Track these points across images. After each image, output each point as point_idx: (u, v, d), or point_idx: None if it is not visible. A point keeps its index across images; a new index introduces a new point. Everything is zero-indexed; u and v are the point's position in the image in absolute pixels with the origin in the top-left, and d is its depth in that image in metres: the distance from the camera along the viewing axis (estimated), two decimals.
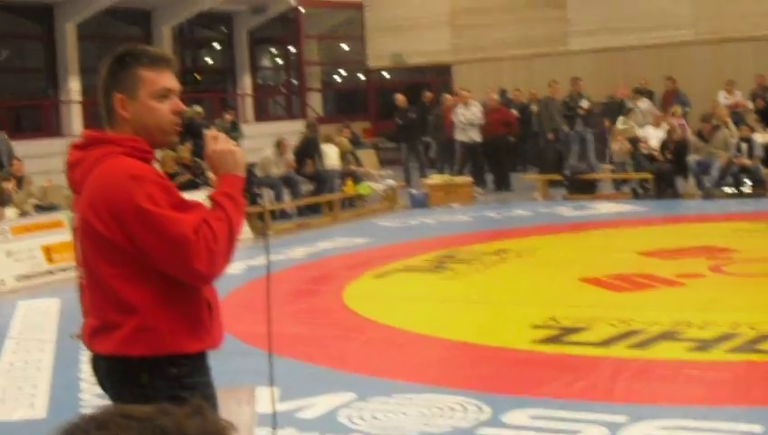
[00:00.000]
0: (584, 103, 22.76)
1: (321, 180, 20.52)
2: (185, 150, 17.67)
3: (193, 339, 3.61)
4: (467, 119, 22.23)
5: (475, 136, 22.21)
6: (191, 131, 3.80)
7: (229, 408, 4.18)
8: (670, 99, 24.24)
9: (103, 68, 3.70)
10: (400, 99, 25.22)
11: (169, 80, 3.68)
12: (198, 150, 4.53)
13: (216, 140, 3.70)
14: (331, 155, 20.96)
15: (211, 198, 3.62)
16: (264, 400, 4.66)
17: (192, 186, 16.55)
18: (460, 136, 22.41)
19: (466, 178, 21.52)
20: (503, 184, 22.59)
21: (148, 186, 3.45)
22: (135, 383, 3.54)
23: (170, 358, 3.56)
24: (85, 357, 9.22)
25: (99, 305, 3.62)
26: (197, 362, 3.66)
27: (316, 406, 7.35)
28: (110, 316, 3.57)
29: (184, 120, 3.70)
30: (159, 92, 3.63)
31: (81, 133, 3.75)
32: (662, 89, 25.07)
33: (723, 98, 23.73)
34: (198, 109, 21.57)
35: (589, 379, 7.74)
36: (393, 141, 26.51)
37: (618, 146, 20.59)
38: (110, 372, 3.63)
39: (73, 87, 23.67)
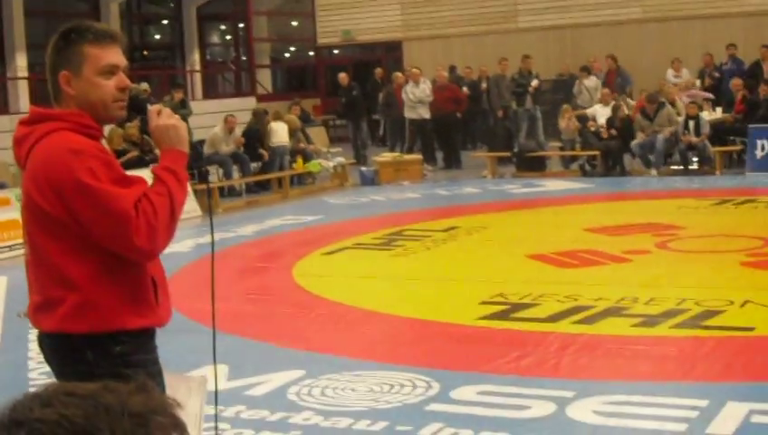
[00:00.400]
0: (534, 82, 22.84)
1: (270, 159, 20.45)
2: (133, 127, 17.57)
3: (136, 316, 3.58)
4: (416, 96, 22.25)
5: (425, 113, 22.23)
6: (136, 107, 3.77)
7: (179, 396, 4.18)
8: (613, 77, 24.37)
9: (49, 45, 3.67)
10: (343, 77, 25.22)
11: (115, 56, 3.64)
12: (145, 127, 4.45)
13: (159, 115, 3.67)
14: (280, 132, 20.89)
15: (153, 172, 3.60)
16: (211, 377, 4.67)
17: (140, 163, 16.45)
18: (409, 114, 22.42)
19: (416, 156, 21.55)
20: (452, 162, 22.64)
21: (88, 160, 3.43)
22: (79, 360, 3.51)
23: (114, 335, 3.53)
24: (33, 336, 9.18)
25: (42, 281, 3.60)
26: (142, 340, 3.63)
27: (266, 383, 7.36)
28: (52, 292, 3.55)
29: (129, 96, 3.68)
30: (105, 69, 3.60)
31: (28, 109, 3.74)
32: (606, 67, 25.22)
33: (671, 76, 23.90)
34: (145, 85, 21.43)
35: (536, 354, 7.80)
36: (341, 119, 26.52)
37: (565, 124, 20.70)
38: (54, 349, 3.62)
39: (20, 63, 23.44)
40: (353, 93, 24.76)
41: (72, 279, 3.50)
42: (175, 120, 3.68)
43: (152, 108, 3.71)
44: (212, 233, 4.06)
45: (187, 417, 4.41)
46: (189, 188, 18.06)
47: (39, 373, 7.81)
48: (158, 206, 3.45)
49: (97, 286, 3.51)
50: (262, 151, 20.30)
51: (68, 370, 3.54)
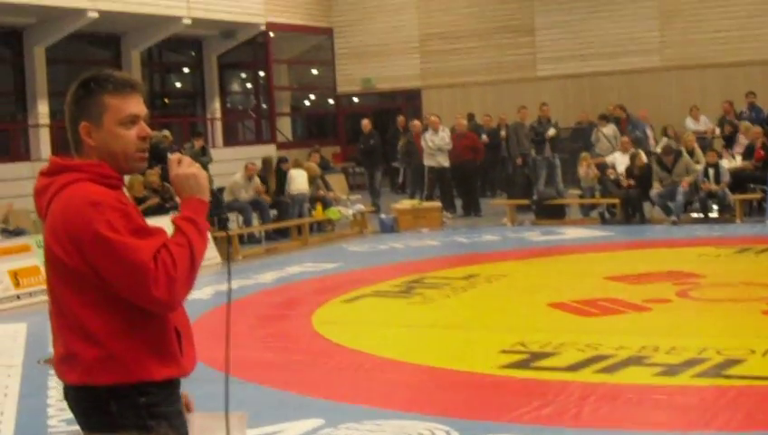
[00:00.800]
0: (551, 131, 22.89)
1: (285, 206, 20.50)
2: (153, 175, 17.64)
3: (161, 367, 3.53)
4: (435, 144, 22.30)
5: (444, 161, 22.26)
6: (156, 156, 3.74)
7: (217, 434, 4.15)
8: (624, 125, 24.37)
9: (69, 94, 3.63)
10: (366, 124, 25.30)
11: (136, 105, 3.60)
12: (166, 175, 4.35)
13: (179, 163, 3.62)
14: (299, 180, 20.94)
15: (173, 222, 3.54)
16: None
17: (161, 210, 16.51)
18: (428, 161, 22.46)
19: (435, 204, 21.57)
20: (472, 209, 22.64)
21: (107, 212, 3.39)
22: (104, 412, 3.47)
23: (138, 386, 3.48)
24: (53, 383, 9.18)
25: (65, 333, 3.54)
26: (167, 391, 3.58)
27: (285, 432, 7.33)
28: (75, 345, 3.50)
29: (150, 144, 3.65)
30: (125, 119, 3.56)
31: (48, 159, 3.67)
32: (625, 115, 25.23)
33: (690, 124, 23.91)
34: (166, 132, 21.52)
35: (557, 404, 7.76)
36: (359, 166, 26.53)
37: (585, 171, 20.70)
38: (78, 400, 3.55)
39: (42, 111, 23.59)
40: (371, 142, 24.83)
41: (94, 332, 3.46)
42: (195, 168, 3.62)
43: (172, 157, 3.65)
44: (229, 282, 3.99)
45: None
46: (209, 236, 18.03)
47: (59, 420, 7.82)
48: (177, 257, 3.40)
49: (120, 338, 3.46)
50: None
51: (93, 421, 3.50)
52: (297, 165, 21.61)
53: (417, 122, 25.34)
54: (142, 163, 3.67)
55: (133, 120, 3.57)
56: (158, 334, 3.53)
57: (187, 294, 3.51)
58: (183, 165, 3.62)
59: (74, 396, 3.57)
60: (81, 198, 3.43)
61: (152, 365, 3.51)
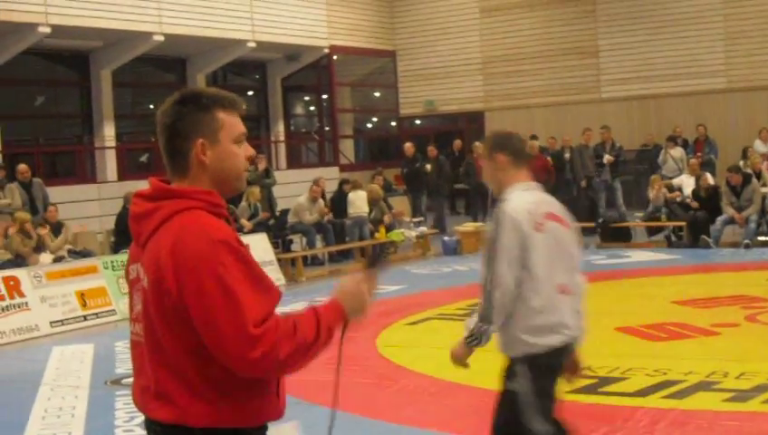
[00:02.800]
0: (605, 157, 22.79)
1: (345, 228, 20.56)
2: None
3: (259, 413, 3.35)
4: None
5: None
6: (374, 262, 3.66)
7: None
8: (701, 146, 24.19)
9: (171, 111, 3.37)
10: (408, 147, 25.35)
11: (242, 124, 3.45)
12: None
13: (356, 280, 3.53)
14: (358, 202, 20.96)
15: (315, 310, 3.34)
16: None
17: None
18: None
19: None
20: None
21: (227, 255, 3.15)
22: None
23: (234, 430, 3.30)
24: (120, 404, 9.23)
25: (157, 369, 3.29)
26: (259, 432, 3.41)
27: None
28: (169, 384, 3.26)
29: (380, 249, 3.51)
30: (239, 137, 3.40)
31: (149, 182, 3.41)
32: (694, 136, 25.01)
33: (759, 146, 23.66)
34: (262, 162, 21.54)
35: (626, 430, 7.67)
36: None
37: (654, 194, 20.52)
38: None
39: (108, 133, 23.84)
40: (416, 165, 24.86)
41: (192, 375, 3.22)
42: (366, 288, 3.52)
43: (365, 272, 3.57)
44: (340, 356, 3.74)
45: None
46: (273, 257, 18.02)
47: None
48: (299, 342, 3.20)
49: (219, 385, 3.23)
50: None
51: None
52: (356, 187, 21.64)
53: (478, 144, 25.29)
54: (245, 184, 3.53)
55: (243, 138, 3.43)
56: (260, 380, 3.31)
57: (273, 377, 3.32)
58: (360, 281, 3.53)
59: (163, 433, 3.32)
60: (199, 233, 3.18)
61: (251, 412, 3.31)
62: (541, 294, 5.14)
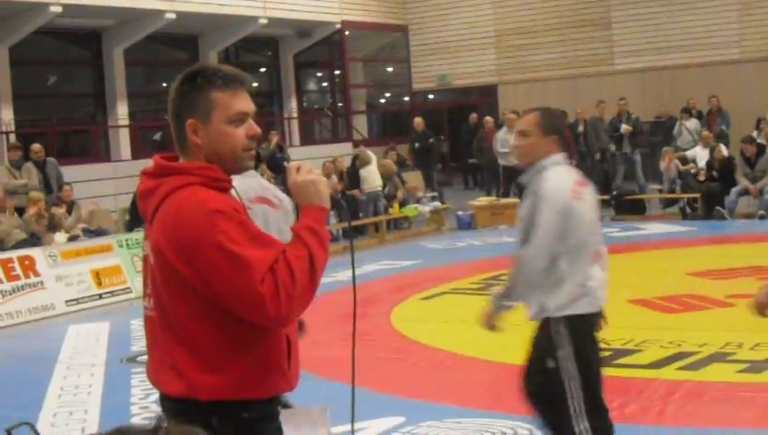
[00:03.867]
0: (623, 128, 22.71)
1: (359, 203, 20.55)
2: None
3: (269, 383, 3.36)
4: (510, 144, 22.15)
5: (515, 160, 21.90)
6: (273, 166, 3.60)
7: (304, 430, 4.14)
8: (714, 118, 24.10)
9: (173, 90, 3.41)
10: (418, 122, 25.33)
11: (244, 102, 3.39)
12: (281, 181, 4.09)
13: (298, 171, 3.42)
14: (371, 177, 20.95)
15: (293, 231, 3.31)
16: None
17: None
18: (502, 160, 22.24)
19: (513, 200, 21.43)
20: None
21: (224, 222, 3.17)
22: (203, 426, 3.14)
23: (243, 401, 3.31)
24: (136, 381, 9.27)
25: (168, 343, 3.33)
26: (270, 407, 3.43)
27: (366, 430, 7.32)
28: (180, 357, 3.29)
29: (262, 153, 3.50)
30: (234, 117, 3.36)
31: (153, 160, 3.45)
32: (707, 107, 24.91)
33: None
34: (275, 137, 21.63)
35: (640, 401, 7.67)
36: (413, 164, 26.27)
37: (666, 166, 20.47)
38: (177, 412, 3.33)
39: (121, 112, 23.84)
40: (430, 140, 24.86)
41: (201, 345, 3.26)
42: (314, 175, 3.41)
43: (291, 165, 3.47)
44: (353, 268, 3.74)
45: None
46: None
47: (141, 419, 7.88)
48: (296, 271, 3.16)
49: (230, 354, 3.26)
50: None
51: None
52: (364, 163, 21.62)
53: (489, 119, 25.27)
54: (250, 163, 3.47)
55: (242, 117, 3.38)
56: (270, 350, 3.34)
57: (304, 310, 3.29)
58: (302, 172, 3.42)
59: (173, 407, 3.36)
60: (195, 205, 3.21)
61: (261, 382, 3.33)
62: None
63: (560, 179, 5.27)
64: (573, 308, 5.20)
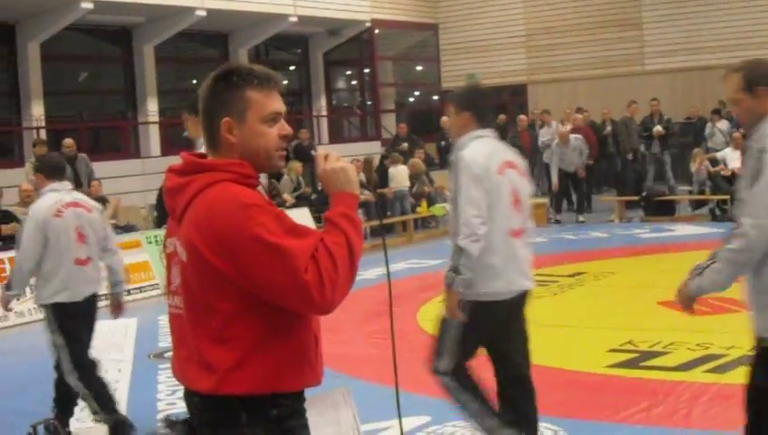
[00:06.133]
0: (655, 129, 22.60)
1: (386, 202, 20.55)
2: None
3: (298, 378, 3.37)
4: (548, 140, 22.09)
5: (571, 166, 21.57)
6: (301, 155, 3.61)
7: (328, 414, 4.13)
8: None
9: (206, 88, 3.43)
10: (445, 121, 25.24)
11: (277, 102, 3.43)
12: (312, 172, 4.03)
13: (327, 159, 3.43)
14: (399, 177, 20.94)
15: (326, 218, 3.33)
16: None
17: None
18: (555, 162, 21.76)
19: (542, 200, 21.37)
20: (582, 206, 22.00)
21: (261, 214, 3.18)
22: (232, 424, 3.31)
23: (272, 398, 3.32)
24: (163, 377, 9.30)
25: (199, 340, 3.32)
26: (297, 403, 3.42)
27: (392, 428, 7.32)
28: (210, 352, 3.29)
29: (295, 145, 3.49)
30: (269, 117, 3.39)
31: (181, 157, 3.46)
32: None
33: None
34: (305, 135, 21.71)
35: (667, 404, 7.64)
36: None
37: (697, 167, 20.38)
38: (205, 410, 3.35)
39: (151, 108, 23.93)
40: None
41: (235, 340, 3.26)
42: (343, 162, 3.42)
43: (319, 153, 3.48)
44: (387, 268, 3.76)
45: (345, 430, 4.36)
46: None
47: (168, 414, 7.89)
48: (337, 257, 3.18)
49: (261, 347, 3.27)
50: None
51: (221, 432, 3.34)
52: (396, 161, 21.61)
53: (522, 118, 25.18)
54: (282, 163, 3.48)
55: (275, 117, 3.41)
56: (300, 343, 3.36)
57: (346, 296, 3.28)
58: (330, 160, 3.43)
59: (202, 405, 3.36)
60: (229, 200, 3.22)
61: (290, 376, 3.34)
62: None
63: (474, 153, 5.86)
64: None
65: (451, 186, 5.86)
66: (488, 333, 6.18)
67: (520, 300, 6.10)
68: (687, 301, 5.09)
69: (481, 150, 5.94)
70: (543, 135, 22.83)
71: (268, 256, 3.14)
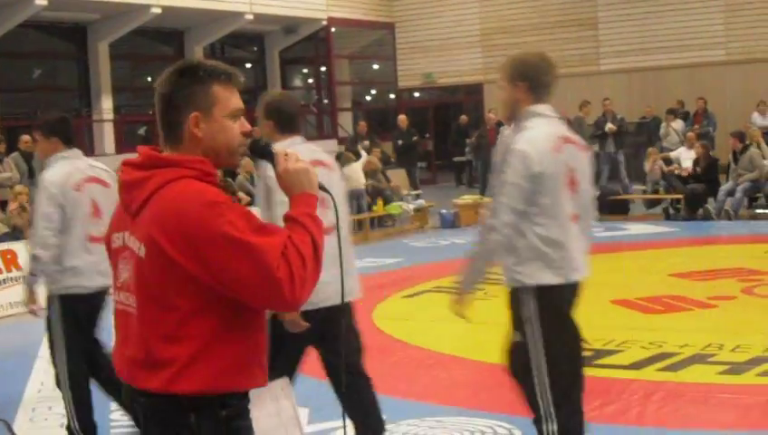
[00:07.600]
0: (608, 126, 22.74)
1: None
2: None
3: (249, 378, 3.36)
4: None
5: None
6: (260, 153, 3.60)
7: (268, 407, 4.11)
8: (700, 119, 24.16)
9: (168, 82, 3.38)
10: (402, 119, 25.35)
11: (239, 99, 3.43)
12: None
13: (287, 158, 3.41)
14: (354, 175, 20.92)
15: (290, 217, 3.31)
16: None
17: None
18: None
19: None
20: None
21: (228, 212, 3.16)
22: (180, 424, 3.26)
23: (222, 397, 3.29)
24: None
25: (149, 337, 3.27)
26: (244, 404, 3.41)
27: (347, 428, 7.30)
28: (162, 350, 3.24)
29: (251, 141, 3.51)
30: (234, 112, 3.39)
31: (138, 151, 3.41)
32: (693, 109, 24.97)
33: (757, 119, 23.62)
34: (258, 134, 21.61)
35: (620, 402, 7.68)
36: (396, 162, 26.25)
37: (650, 166, 20.51)
38: (153, 410, 3.29)
39: (106, 106, 23.81)
40: (413, 139, 24.85)
41: (189, 338, 3.22)
42: (304, 163, 3.41)
43: (278, 150, 3.45)
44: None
45: (286, 421, 4.34)
46: None
47: (121, 414, 7.84)
48: (305, 254, 3.19)
49: (215, 346, 3.24)
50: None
51: (169, 432, 3.30)
52: (348, 160, 21.57)
53: (491, 116, 25.25)
54: (240, 159, 3.53)
55: (238, 114, 3.40)
56: (254, 344, 3.36)
57: (311, 293, 3.29)
58: (291, 160, 3.41)
59: (147, 404, 3.31)
60: (195, 198, 3.19)
61: (241, 376, 3.33)
62: None
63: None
64: None
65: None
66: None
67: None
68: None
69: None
70: (505, 134, 22.84)
71: (239, 253, 3.11)
